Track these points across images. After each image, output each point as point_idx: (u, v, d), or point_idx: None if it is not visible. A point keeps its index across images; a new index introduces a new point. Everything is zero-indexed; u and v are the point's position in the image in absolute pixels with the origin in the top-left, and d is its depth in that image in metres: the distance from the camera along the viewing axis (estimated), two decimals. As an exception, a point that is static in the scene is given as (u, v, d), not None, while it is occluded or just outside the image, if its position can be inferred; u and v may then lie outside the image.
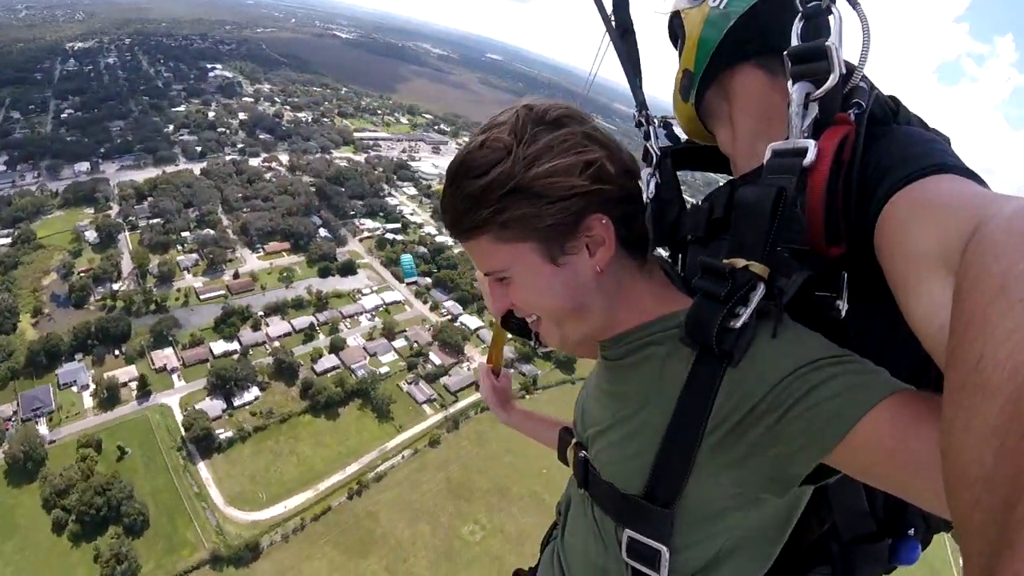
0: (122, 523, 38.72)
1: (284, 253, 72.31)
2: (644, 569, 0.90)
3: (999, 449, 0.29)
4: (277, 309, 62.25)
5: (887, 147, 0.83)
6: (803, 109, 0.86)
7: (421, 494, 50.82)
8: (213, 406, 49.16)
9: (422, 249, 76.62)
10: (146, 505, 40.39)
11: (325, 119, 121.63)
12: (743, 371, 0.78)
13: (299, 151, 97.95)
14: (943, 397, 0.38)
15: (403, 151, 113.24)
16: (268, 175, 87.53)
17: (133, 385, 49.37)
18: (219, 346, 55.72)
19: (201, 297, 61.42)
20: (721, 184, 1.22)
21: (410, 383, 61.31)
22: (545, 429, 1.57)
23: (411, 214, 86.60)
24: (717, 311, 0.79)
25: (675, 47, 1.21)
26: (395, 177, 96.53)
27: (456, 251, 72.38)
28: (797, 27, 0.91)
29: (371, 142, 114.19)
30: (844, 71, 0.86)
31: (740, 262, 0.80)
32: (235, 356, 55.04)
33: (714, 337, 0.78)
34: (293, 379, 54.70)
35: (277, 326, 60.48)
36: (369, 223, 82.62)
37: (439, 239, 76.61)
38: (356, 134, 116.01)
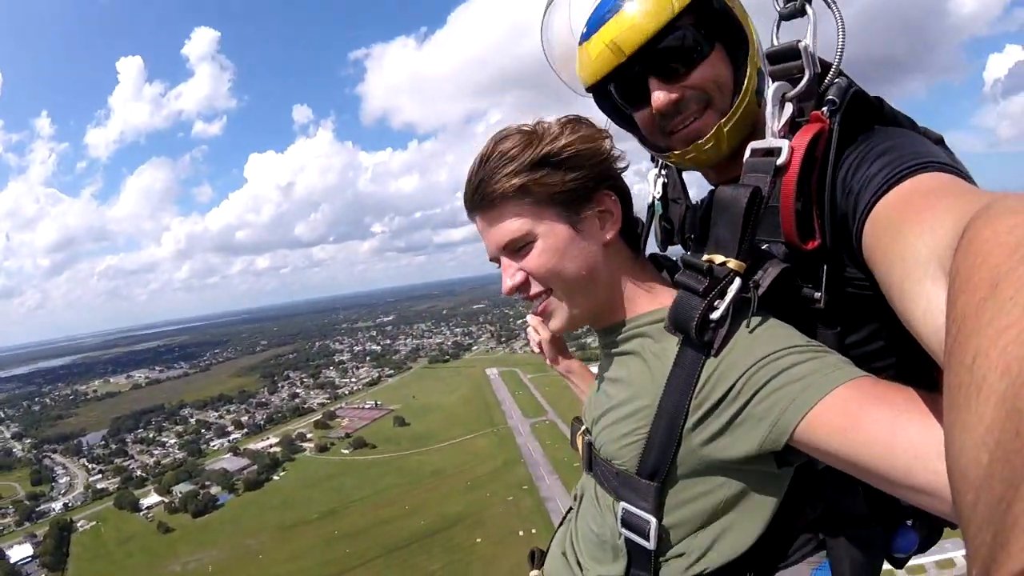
0: None
1: None
2: (636, 538, 0.98)
3: (994, 448, 0.29)
4: None
5: (870, 148, 0.84)
6: (778, 109, 0.90)
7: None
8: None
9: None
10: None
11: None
12: (720, 358, 0.86)
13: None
14: (943, 400, 0.37)
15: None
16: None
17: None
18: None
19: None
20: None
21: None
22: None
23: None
24: (697, 304, 0.85)
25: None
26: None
27: None
28: (774, 29, 0.95)
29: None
30: (819, 70, 0.90)
31: (718, 258, 0.86)
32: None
33: (695, 329, 0.85)
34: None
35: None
36: None
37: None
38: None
